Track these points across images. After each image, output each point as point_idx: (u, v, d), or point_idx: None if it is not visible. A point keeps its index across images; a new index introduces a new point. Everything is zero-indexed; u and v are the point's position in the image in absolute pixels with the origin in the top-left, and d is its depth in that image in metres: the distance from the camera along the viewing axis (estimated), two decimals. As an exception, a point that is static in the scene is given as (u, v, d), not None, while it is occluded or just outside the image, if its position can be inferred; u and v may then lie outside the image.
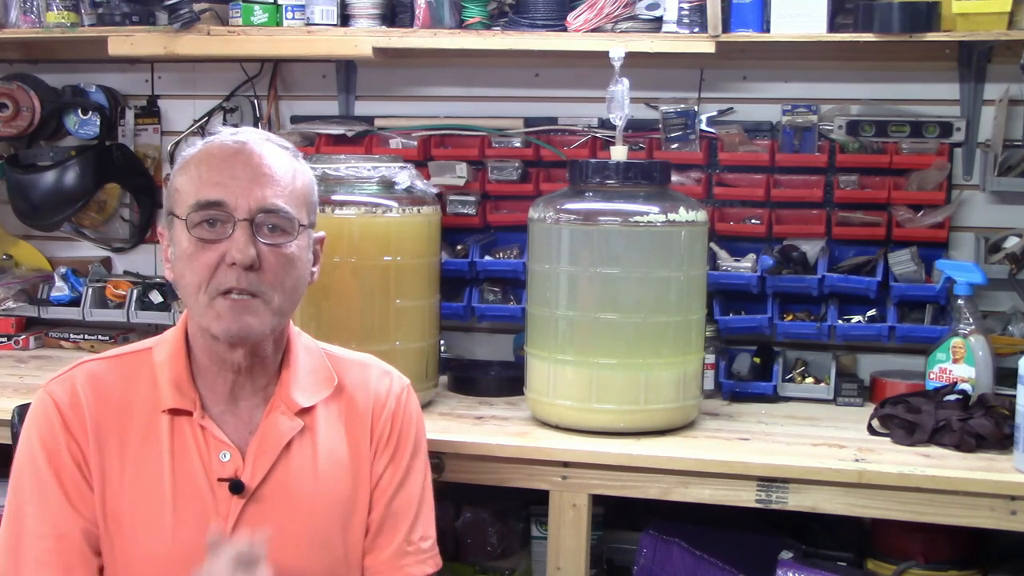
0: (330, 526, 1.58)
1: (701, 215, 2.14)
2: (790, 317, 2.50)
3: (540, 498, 2.07)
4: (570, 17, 2.37)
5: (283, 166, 1.55)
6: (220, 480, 1.53)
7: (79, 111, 2.86)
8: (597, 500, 2.05)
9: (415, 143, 2.65)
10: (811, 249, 2.48)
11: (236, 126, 2.76)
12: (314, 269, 1.62)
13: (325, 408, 1.63)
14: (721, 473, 1.95)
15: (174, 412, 1.55)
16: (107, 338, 2.83)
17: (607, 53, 2.13)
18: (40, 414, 1.55)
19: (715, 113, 2.57)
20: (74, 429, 1.53)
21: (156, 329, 2.76)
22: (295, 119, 2.79)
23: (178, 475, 1.53)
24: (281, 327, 1.59)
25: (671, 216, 2.08)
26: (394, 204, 2.23)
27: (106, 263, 2.96)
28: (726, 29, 2.29)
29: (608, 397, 2.08)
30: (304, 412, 1.60)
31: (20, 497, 1.52)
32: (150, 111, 2.91)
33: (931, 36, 2.20)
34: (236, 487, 1.52)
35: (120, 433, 1.54)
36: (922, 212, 2.44)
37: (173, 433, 1.54)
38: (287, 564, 1.53)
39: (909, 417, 2.08)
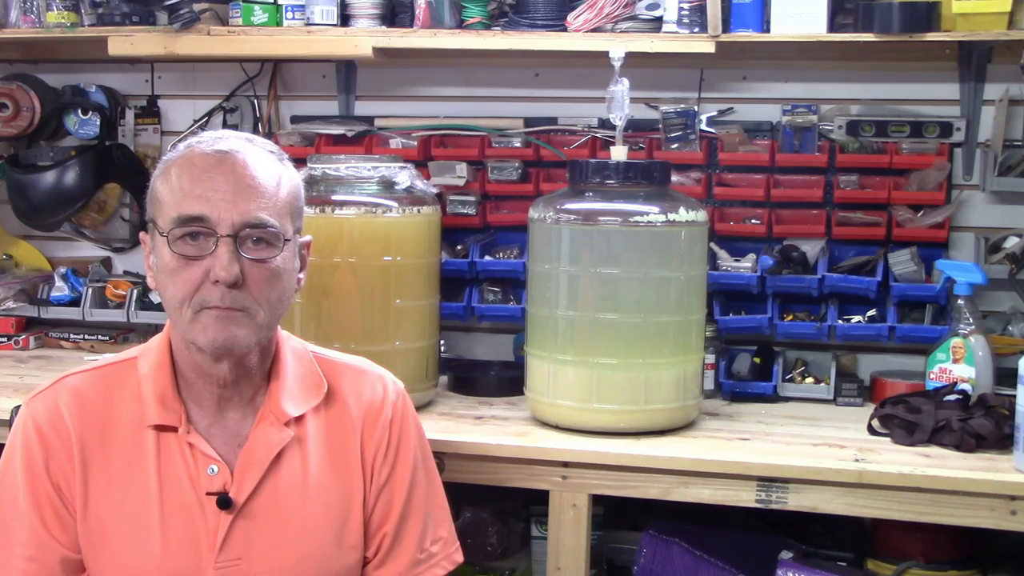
0: (323, 539, 1.56)
1: (701, 215, 2.14)
2: (790, 317, 2.50)
3: (540, 498, 2.07)
4: (570, 17, 2.37)
5: (268, 175, 1.50)
6: (208, 494, 1.50)
7: (79, 111, 2.85)
8: (597, 500, 2.05)
9: (415, 143, 2.65)
10: (811, 249, 2.48)
11: (237, 127, 2.79)
12: (300, 276, 1.59)
13: (315, 416, 1.59)
14: (721, 473, 1.95)
15: (160, 428, 1.52)
16: (107, 338, 2.83)
17: (607, 53, 2.12)
18: (22, 435, 1.52)
19: (715, 113, 2.57)
20: (56, 451, 1.50)
21: (156, 329, 2.76)
22: (295, 119, 2.79)
23: (165, 491, 1.50)
24: (267, 339, 1.56)
25: (671, 216, 2.08)
26: (394, 204, 2.23)
27: (106, 263, 2.96)
28: (726, 29, 2.29)
29: (608, 397, 2.08)
30: (294, 422, 1.57)
31: (1, 513, 1.51)
32: (150, 111, 2.90)
33: (931, 36, 2.20)
34: (224, 502, 1.50)
35: (105, 449, 1.51)
36: (922, 212, 2.44)
37: (159, 448, 1.51)
38: None
39: (909, 417, 2.07)
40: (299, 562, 1.53)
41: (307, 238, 1.61)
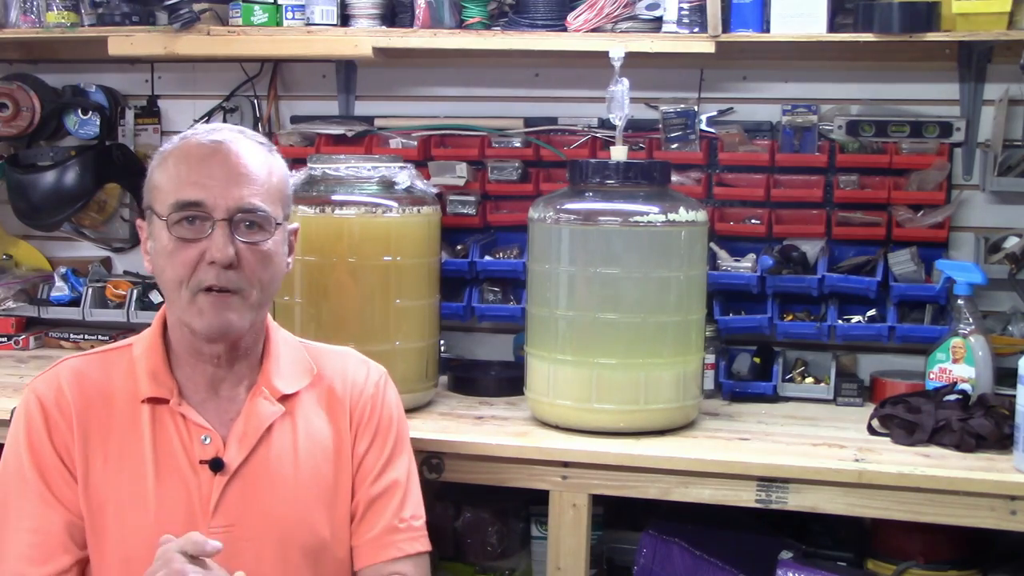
0: (313, 508, 1.61)
1: (701, 215, 2.14)
2: (790, 317, 2.50)
3: (540, 498, 2.07)
4: (570, 17, 2.37)
5: (259, 163, 1.59)
6: (202, 462, 1.56)
7: (79, 111, 2.86)
8: (597, 500, 2.05)
9: (415, 143, 2.65)
10: (811, 249, 2.48)
11: (238, 124, 2.78)
12: (289, 260, 1.67)
13: (306, 395, 1.67)
14: (721, 473, 1.95)
15: (153, 401, 1.58)
16: (107, 338, 2.82)
17: (607, 53, 2.12)
18: (25, 412, 1.59)
19: (715, 113, 2.57)
20: (59, 424, 1.56)
21: (156, 329, 2.77)
22: (295, 119, 2.79)
23: (160, 459, 1.56)
24: (260, 320, 1.64)
25: (671, 216, 2.08)
26: (394, 204, 2.23)
27: (106, 263, 2.96)
28: (726, 29, 2.29)
29: (608, 397, 2.08)
30: (285, 399, 1.64)
31: (5, 492, 1.56)
32: (150, 111, 2.91)
33: (931, 36, 2.20)
34: (216, 465, 1.56)
35: (103, 424, 1.57)
36: (922, 212, 2.44)
37: (154, 421, 1.58)
38: (270, 544, 1.56)
39: (909, 417, 2.07)
40: (289, 529, 1.59)
41: (294, 225, 1.69)
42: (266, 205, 1.57)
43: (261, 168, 1.59)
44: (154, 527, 1.52)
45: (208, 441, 1.57)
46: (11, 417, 1.82)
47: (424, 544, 1.70)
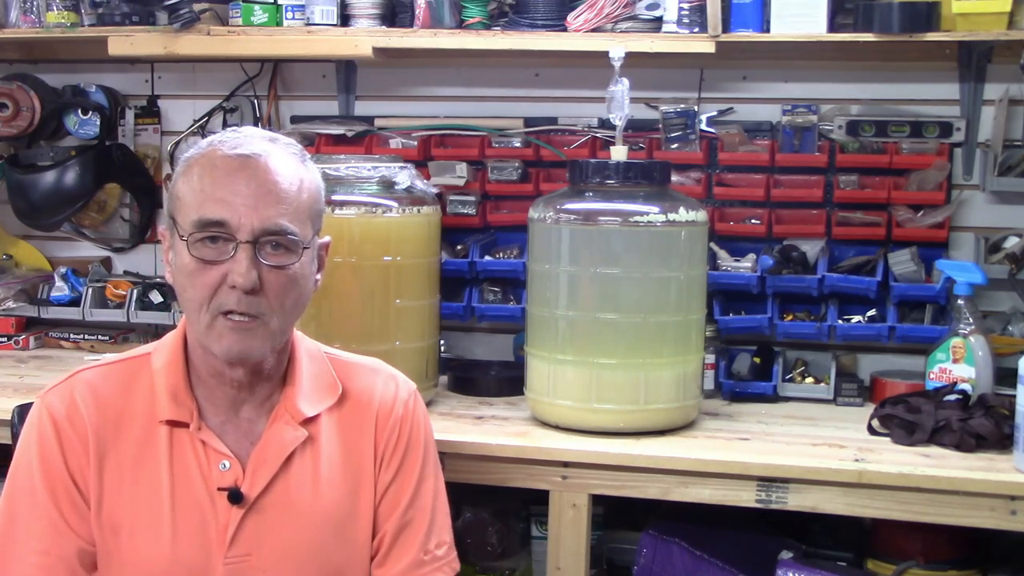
0: (331, 536, 1.56)
1: (701, 215, 2.14)
2: (790, 317, 2.50)
3: (540, 498, 2.07)
4: (570, 17, 2.38)
5: (289, 178, 1.49)
6: (219, 490, 1.50)
7: (79, 111, 2.86)
8: (597, 500, 2.05)
9: (415, 143, 2.65)
10: (811, 249, 2.48)
11: (238, 125, 2.78)
12: (318, 276, 1.59)
13: (329, 416, 1.60)
14: (721, 473, 1.95)
15: (172, 423, 1.52)
16: (107, 338, 2.83)
17: (607, 53, 2.12)
18: (37, 428, 1.52)
19: (715, 113, 2.57)
20: (72, 444, 1.50)
21: (156, 329, 2.77)
22: (295, 119, 2.79)
23: (177, 485, 1.50)
24: (282, 343, 1.56)
25: (671, 216, 2.08)
26: (394, 204, 2.23)
27: (106, 263, 2.96)
28: (726, 29, 2.29)
29: (608, 397, 2.08)
30: (308, 421, 1.57)
31: (14, 508, 1.51)
32: (150, 111, 2.91)
33: (931, 36, 2.20)
34: (235, 497, 1.50)
35: (119, 443, 1.52)
36: (922, 212, 2.44)
37: (172, 443, 1.52)
38: (288, 573, 1.52)
39: (909, 417, 2.08)
40: (308, 559, 1.54)
41: (326, 239, 1.60)
42: (294, 225, 1.47)
43: (291, 184, 1.48)
44: (169, 555, 1.49)
45: (227, 467, 1.51)
46: (11, 417, 1.84)
47: (447, 571, 1.64)
